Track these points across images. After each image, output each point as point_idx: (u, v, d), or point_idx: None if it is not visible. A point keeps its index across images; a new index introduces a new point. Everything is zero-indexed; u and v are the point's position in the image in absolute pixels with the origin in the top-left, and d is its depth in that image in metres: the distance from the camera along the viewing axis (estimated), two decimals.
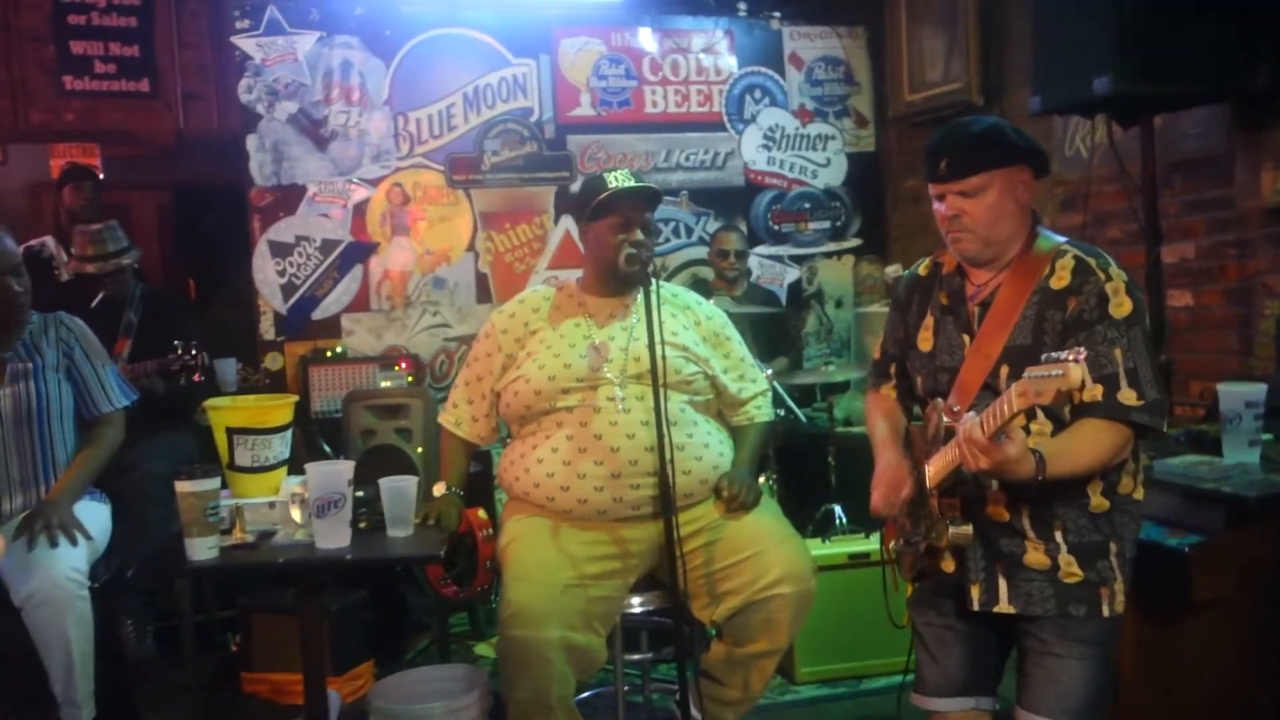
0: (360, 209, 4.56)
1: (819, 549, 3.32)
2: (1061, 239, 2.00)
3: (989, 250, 1.97)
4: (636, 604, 2.59)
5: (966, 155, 1.93)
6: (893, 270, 4.96)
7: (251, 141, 4.43)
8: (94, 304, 3.74)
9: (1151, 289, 3.12)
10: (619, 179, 2.61)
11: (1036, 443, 1.81)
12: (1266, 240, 3.19)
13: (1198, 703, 2.27)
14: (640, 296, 2.44)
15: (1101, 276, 1.89)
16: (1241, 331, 3.28)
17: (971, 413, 1.78)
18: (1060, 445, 1.83)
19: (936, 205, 2.01)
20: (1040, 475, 1.76)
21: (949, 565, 2.01)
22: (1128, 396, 1.84)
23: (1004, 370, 1.91)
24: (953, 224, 1.97)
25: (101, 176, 4.86)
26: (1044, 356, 1.64)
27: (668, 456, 2.33)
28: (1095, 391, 1.84)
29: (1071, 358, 1.57)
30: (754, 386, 2.78)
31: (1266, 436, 2.49)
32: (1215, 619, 2.25)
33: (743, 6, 5.11)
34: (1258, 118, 3.13)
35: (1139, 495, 1.98)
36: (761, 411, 2.78)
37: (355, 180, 4.55)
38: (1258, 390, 2.44)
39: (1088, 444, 1.84)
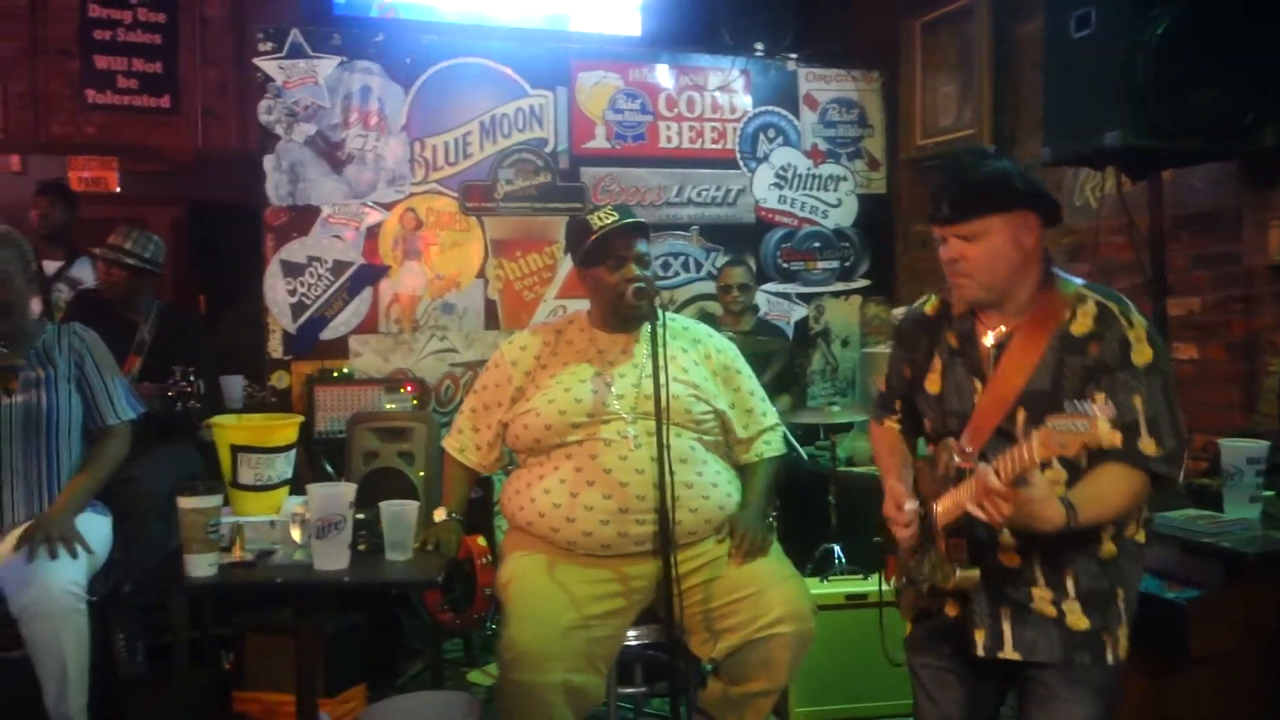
0: (373, 232, 4.59)
1: (817, 588, 3.30)
2: (1080, 281, 1.97)
3: (990, 295, 1.95)
4: (632, 637, 2.58)
5: (968, 199, 1.91)
6: (899, 312, 4.96)
7: (269, 161, 4.46)
8: (105, 310, 3.81)
9: None
10: (603, 218, 2.58)
11: (1060, 492, 1.80)
12: (1273, 297, 3.20)
13: None
14: (648, 331, 2.43)
15: (1124, 323, 1.87)
16: (1245, 387, 3.29)
17: (984, 463, 1.75)
18: (1089, 492, 1.81)
19: (940, 247, 2.00)
20: (1074, 523, 1.74)
21: (952, 610, 1.99)
22: (1147, 445, 1.84)
23: (1020, 414, 1.89)
24: (952, 268, 1.95)
25: (87, 191, 4.88)
26: (1067, 405, 1.63)
27: (670, 492, 2.33)
28: (1115, 439, 1.76)
29: (1097, 411, 1.56)
30: (765, 420, 2.76)
31: (1268, 493, 2.49)
32: (1213, 674, 2.25)
33: (760, 47, 5.17)
34: (1264, 176, 3.16)
35: (1141, 539, 1.97)
36: (770, 447, 2.76)
37: (369, 204, 4.58)
38: (1260, 447, 2.45)
39: (1114, 490, 1.83)
